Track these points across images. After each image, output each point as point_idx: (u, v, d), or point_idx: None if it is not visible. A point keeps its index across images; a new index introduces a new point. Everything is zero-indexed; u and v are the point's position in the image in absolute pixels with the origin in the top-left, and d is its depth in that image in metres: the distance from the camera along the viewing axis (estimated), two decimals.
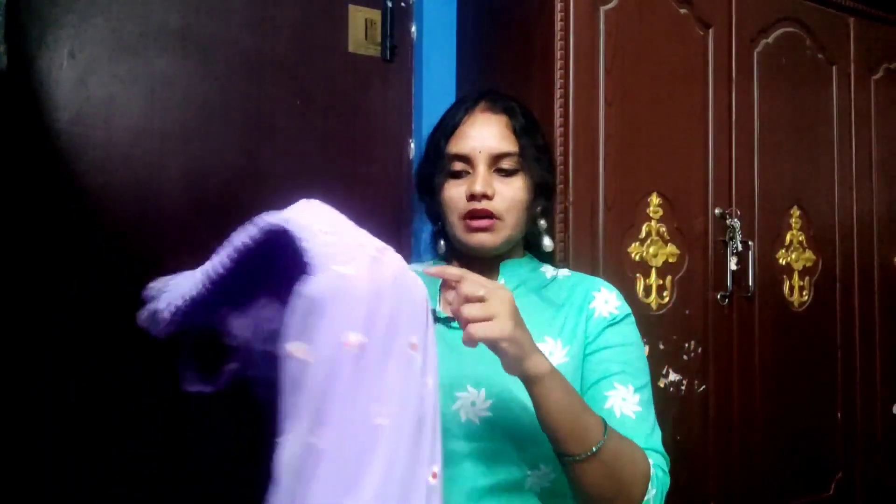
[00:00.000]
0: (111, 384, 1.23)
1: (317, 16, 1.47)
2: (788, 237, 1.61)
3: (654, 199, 1.40)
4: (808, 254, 1.64)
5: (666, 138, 1.42)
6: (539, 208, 0.99)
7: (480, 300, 0.71)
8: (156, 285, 0.74)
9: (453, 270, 0.74)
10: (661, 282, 1.39)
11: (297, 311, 0.57)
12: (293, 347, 0.56)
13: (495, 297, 0.71)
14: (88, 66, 1.24)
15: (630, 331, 0.94)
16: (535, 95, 1.31)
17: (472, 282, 0.72)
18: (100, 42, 1.25)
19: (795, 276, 1.62)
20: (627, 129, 1.37)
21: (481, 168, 0.93)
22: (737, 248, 1.47)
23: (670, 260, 1.41)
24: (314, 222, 0.62)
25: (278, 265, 0.65)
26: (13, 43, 1.18)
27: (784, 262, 1.60)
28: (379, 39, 1.54)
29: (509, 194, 0.93)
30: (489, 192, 0.92)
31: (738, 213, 1.50)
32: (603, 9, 1.35)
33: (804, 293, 1.63)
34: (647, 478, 0.81)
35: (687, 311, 1.41)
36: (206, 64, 1.34)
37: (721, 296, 1.47)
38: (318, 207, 0.66)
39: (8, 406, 1.16)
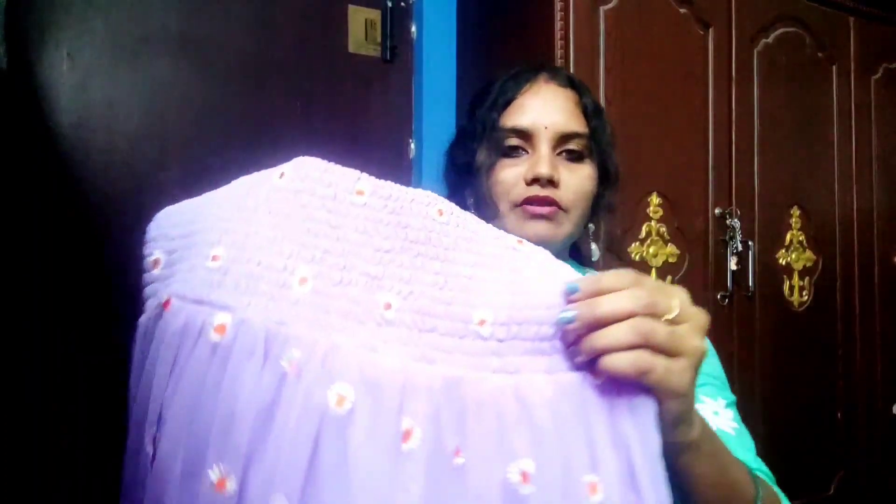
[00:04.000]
0: (113, 387, 1.23)
1: (317, 16, 1.46)
2: (788, 237, 1.61)
3: (654, 199, 1.40)
4: (808, 254, 1.64)
5: (666, 138, 1.42)
6: (604, 203, 0.83)
7: (671, 321, 0.45)
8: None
9: (620, 279, 0.45)
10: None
11: None
12: None
13: (692, 316, 0.47)
14: (88, 69, 1.24)
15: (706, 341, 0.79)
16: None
17: (665, 294, 0.46)
18: (99, 45, 1.25)
19: (795, 276, 1.62)
20: (627, 129, 1.37)
21: (544, 147, 0.77)
22: (737, 248, 1.47)
23: (670, 260, 1.41)
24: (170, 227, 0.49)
25: None
26: (12, 45, 1.18)
27: (784, 262, 1.60)
28: (379, 39, 1.54)
29: (576, 184, 0.77)
30: (556, 177, 0.76)
31: (738, 213, 1.50)
32: (603, 9, 1.35)
33: (804, 293, 1.63)
34: None
35: None
36: (206, 66, 1.34)
37: (721, 296, 1.47)
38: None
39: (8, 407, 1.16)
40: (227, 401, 0.40)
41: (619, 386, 0.43)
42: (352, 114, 1.49)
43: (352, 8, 1.50)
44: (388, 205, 0.47)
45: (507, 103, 0.80)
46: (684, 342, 0.45)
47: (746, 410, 1.52)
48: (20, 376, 1.17)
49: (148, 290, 0.46)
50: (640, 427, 0.43)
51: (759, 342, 1.53)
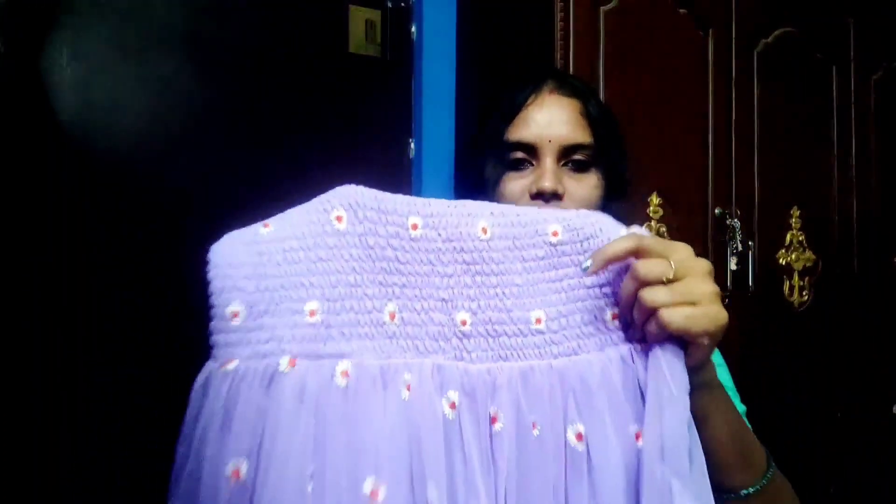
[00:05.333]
0: (113, 388, 1.23)
1: (317, 16, 1.47)
2: (788, 237, 1.61)
3: (654, 199, 1.40)
4: (808, 254, 1.64)
5: (666, 138, 1.42)
6: (615, 209, 0.80)
7: (668, 281, 0.53)
8: None
9: (621, 245, 0.54)
10: None
11: None
12: None
13: (693, 272, 0.54)
14: (89, 68, 1.24)
15: (716, 351, 0.80)
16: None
17: (657, 259, 0.53)
18: (101, 44, 1.25)
19: (795, 276, 1.62)
20: (627, 129, 1.36)
21: (549, 161, 0.78)
22: (737, 248, 1.47)
23: None
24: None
25: None
26: (13, 44, 1.18)
27: (784, 262, 1.60)
28: (379, 40, 1.54)
29: (582, 194, 0.79)
30: (560, 190, 0.77)
31: (738, 213, 1.50)
32: (603, 9, 1.35)
33: (804, 293, 1.63)
34: None
35: None
36: (206, 65, 1.34)
37: (721, 296, 1.47)
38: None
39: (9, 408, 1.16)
40: (366, 429, 0.50)
41: (655, 348, 0.54)
42: (352, 114, 1.49)
43: (352, 8, 1.50)
44: (440, 233, 0.56)
45: (513, 116, 0.81)
46: (691, 293, 0.53)
47: (746, 410, 1.51)
48: (20, 376, 1.17)
49: (230, 339, 0.51)
50: (672, 373, 0.53)
51: (759, 342, 1.53)
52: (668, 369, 0.53)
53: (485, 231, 0.56)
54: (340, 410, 0.50)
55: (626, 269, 0.55)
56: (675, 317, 0.51)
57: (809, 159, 1.65)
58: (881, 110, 1.78)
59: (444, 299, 0.55)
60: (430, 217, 0.55)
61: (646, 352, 0.55)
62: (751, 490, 0.60)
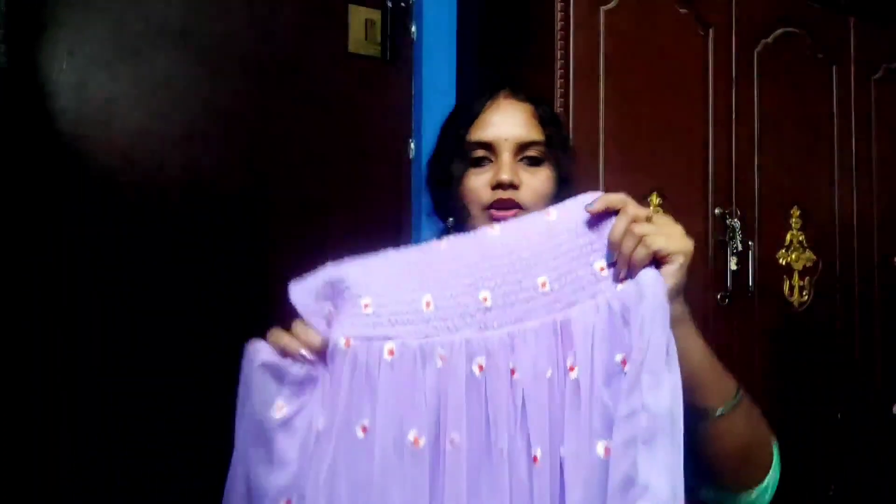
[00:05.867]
0: (113, 389, 1.23)
1: (317, 16, 1.46)
2: (788, 237, 1.61)
3: (654, 199, 1.40)
4: (808, 254, 1.64)
5: (666, 138, 1.42)
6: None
7: (649, 219, 0.69)
8: None
9: (616, 196, 0.70)
10: None
11: None
12: None
13: (664, 219, 0.71)
14: (88, 67, 1.24)
15: None
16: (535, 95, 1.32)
17: (638, 206, 0.70)
18: (100, 42, 1.25)
19: (795, 276, 1.62)
20: (627, 129, 1.37)
21: (506, 156, 0.89)
22: (737, 248, 1.47)
23: None
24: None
25: None
26: (13, 43, 1.18)
27: (784, 262, 1.60)
28: (379, 39, 1.54)
29: (536, 185, 0.89)
30: (516, 181, 0.87)
31: (738, 213, 1.50)
32: (603, 9, 1.35)
33: (804, 293, 1.63)
34: (773, 441, 0.84)
35: None
36: (206, 64, 1.34)
37: (721, 296, 1.47)
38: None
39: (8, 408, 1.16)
40: (408, 392, 0.65)
41: (639, 274, 0.66)
42: (352, 113, 1.49)
43: (352, 7, 1.50)
44: (462, 239, 0.72)
45: (473, 120, 0.92)
46: (667, 227, 0.70)
47: None
48: (20, 376, 1.17)
49: (333, 335, 0.68)
50: (653, 289, 0.64)
51: (759, 342, 1.53)
52: (650, 286, 0.64)
53: (495, 228, 0.72)
54: (388, 379, 0.65)
55: (607, 228, 0.69)
56: (656, 239, 0.67)
57: (809, 159, 1.65)
58: (881, 110, 1.78)
59: (468, 284, 0.69)
60: (455, 236, 0.73)
61: (631, 286, 0.66)
62: (724, 410, 0.73)
